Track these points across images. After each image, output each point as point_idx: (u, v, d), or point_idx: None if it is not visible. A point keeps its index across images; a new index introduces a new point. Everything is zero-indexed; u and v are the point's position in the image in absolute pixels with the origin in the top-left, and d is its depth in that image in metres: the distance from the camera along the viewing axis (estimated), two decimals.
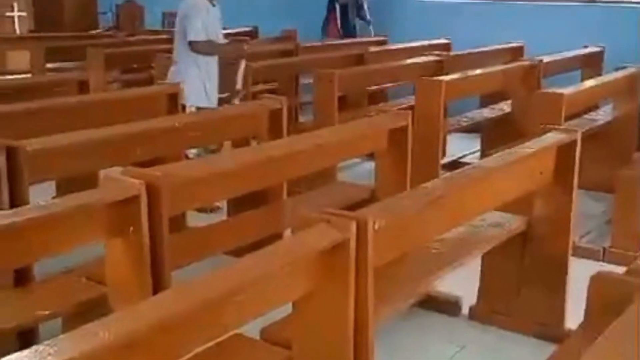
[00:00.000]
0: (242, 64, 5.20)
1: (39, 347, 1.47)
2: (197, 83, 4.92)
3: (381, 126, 3.83)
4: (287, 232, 3.57)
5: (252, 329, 2.32)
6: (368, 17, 8.33)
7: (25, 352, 1.45)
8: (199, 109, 4.91)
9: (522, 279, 3.30)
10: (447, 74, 5.38)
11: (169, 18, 10.44)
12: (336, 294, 2.09)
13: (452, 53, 6.77)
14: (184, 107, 4.91)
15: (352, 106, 6.18)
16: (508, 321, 3.33)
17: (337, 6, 8.26)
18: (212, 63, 5.00)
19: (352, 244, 2.08)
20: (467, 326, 3.41)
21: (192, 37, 4.85)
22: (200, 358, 2.12)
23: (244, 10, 8.50)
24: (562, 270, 3.23)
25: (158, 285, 2.55)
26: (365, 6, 8.31)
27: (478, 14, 8.11)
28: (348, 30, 8.31)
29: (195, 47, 4.88)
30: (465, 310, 3.49)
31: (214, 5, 4.98)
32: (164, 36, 8.41)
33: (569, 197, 3.19)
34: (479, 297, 3.44)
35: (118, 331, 1.52)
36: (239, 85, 5.16)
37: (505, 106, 5.99)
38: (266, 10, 9.06)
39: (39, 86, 4.77)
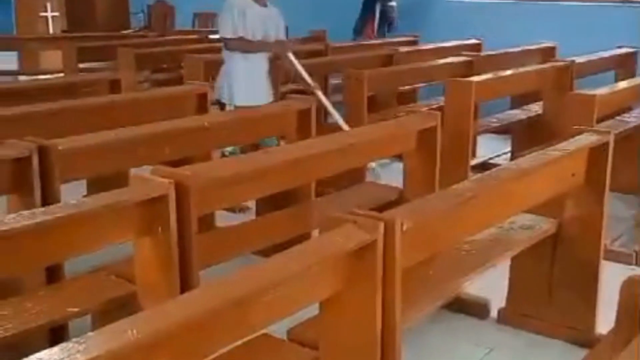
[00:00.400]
0: (292, 61, 5.09)
1: (68, 345, 1.48)
2: (240, 82, 4.93)
3: (410, 127, 3.82)
4: (315, 233, 3.57)
5: (279, 329, 2.32)
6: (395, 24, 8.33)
7: (55, 349, 1.46)
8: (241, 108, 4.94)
9: (552, 282, 3.26)
10: (477, 74, 5.34)
11: (199, 18, 10.53)
12: (363, 295, 2.08)
13: (482, 53, 6.71)
14: (223, 106, 4.97)
15: (382, 106, 6.17)
16: (537, 325, 3.29)
17: (377, 8, 8.24)
18: (258, 62, 4.94)
19: (380, 245, 2.07)
20: (495, 329, 3.38)
21: (220, 33, 4.92)
22: (227, 357, 2.13)
23: None
24: (593, 274, 3.18)
25: (186, 284, 2.56)
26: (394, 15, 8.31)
27: (510, 13, 8.04)
28: (381, 34, 8.29)
29: (227, 44, 4.94)
30: (493, 313, 3.46)
31: (263, 6, 4.95)
32: (194, 36, 8.49)
33: (601, 199, 3.15)
34: (508, 300, 3.41)
35: (146, 329, 1.53)
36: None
37: (537, 107, 5.93)
38: (293, 10, 9.06)
39: (71, 86, 4.83)
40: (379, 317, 2.11)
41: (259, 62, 4.95)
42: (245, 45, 4.92)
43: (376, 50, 7.09)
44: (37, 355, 1.45)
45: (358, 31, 8.38)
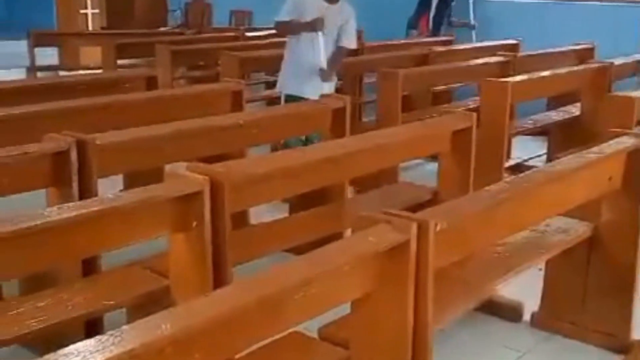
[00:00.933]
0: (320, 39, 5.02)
1: (103, 337, 1.50)
2: (289, 72, 4.99)
3: (445, 127, 3.80)
4: (348, 232, 3.57)
5: (310, 327, 2.33)
6: (464, 20, 8.25)
7: (91, 341, 1.49)
8: (289, 97, 4.96)
9: (587, 287, 3.22)
10: (514, 75, 5.28)
11: (236, 16, 10.59)
12: (395, 295, 2.08)
13: (519, 54, 6.65)
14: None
15: (416, 106, 6.14)
16: (572, 330, 3.25)
17: (433, 4, 8.19)
18: (304, 53, 4.94)
19: (413, 246, 2.06)
20: (528, 333, 3.35)
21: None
22: (258, 354, 2.15)
23: None
24: (629, 279, 3.13)
25: (219, 280, 2.58)
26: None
27: (547, 14, 7.95)
28: (436, 29, 8.23)
29: (275, 28, 5.06)
30: (526, 316, 3.43)
31: (331, 2, 4.93)
32: (231, 34, 8.55)
33: (637, 204, 3.09)
34: (541, 304, 3.37)
35: (179, 325, 1.55)
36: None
37: (574, 109, 5.84)
38: None
39: (109, 82, 4.89)
40: (411, 318, 2.10)
41: (306, 54, 4.94)
42: (285, 28, 4.96)
43: (411, 50, 7.06)
44: (74, 346, 1.47)
45: (412, 26, 8.34)
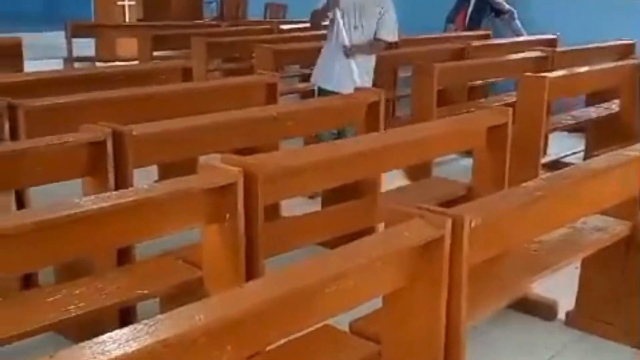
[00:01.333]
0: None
1: (138, 326, 1.51)
2: (323, 65, 5.01)
3: (480, 122, 3.76)
4: (381, 226, 3.56)
5: (341, 321, 2.32)
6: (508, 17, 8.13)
7: (126, 329, 1.50)
8: (322, 91, 4.96)
9: (624, 286, 3.16)
10: (552, 70, 5.21)
11: (270, 8, 10.61)
12: (429, 290, 2.06)
13: (558, 49, 6.55)
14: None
15: (451, 101, 6.09)
16: (607, 329, 3.20)
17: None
18: (338, 47, 4.92)
19: (447, 241, 2.05)
20: (562, 332, 3.30)
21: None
22: (289, 347, 2.15)
23: None
24: None
25: (251, 272, 2.59)
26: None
27: (587, 9, 7.81)
28: (474, 24, 8.14)
29: (309, 20, 5.20)
30: (561, 315, 3.38)
31: None
32: (266, 26, 8.56)
33: None
34: (577, 303, 3.32)
35: (213, 316, 1.55)
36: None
37: (613, 106, 5.75)
38: None
39: (145, 73, 4.93)
40: (444, 314, 2.09)
41: (339, 48, 4.94)
42: (311, 15, 5.03)
43: (447, 44, 7.00)
44: (109, 334, 1.49)
45: (450, 20, 8.27)
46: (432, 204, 2.20)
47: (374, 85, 5.04)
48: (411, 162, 3.74)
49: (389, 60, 6.24)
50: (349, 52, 4.89)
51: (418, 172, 4.57)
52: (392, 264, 2.01)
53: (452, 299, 2.09)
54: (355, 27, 4.94)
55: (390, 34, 5.09)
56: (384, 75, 6.37)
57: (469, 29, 8.06)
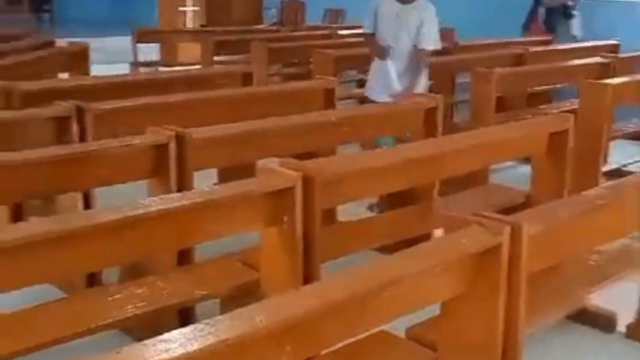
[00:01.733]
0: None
1: (199, 326, 1.55)
2: (373, 79, 5.05)
3: (540, 129, 3.71)
4: (436, 233, 3.55)
5: (398, 327, 2.33)
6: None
7: (187, 329, 1.54)
8: (370, 101, 5.00)
9: None
10: (614, 77, 5.11)
11: (329, 14, 10.66)
12: (486, 299, 2.06)
13: (621, 55, 6.41)
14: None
15: (510, 107, 6.01)
16: None
17: (542, 9, 8.01)
18: (392, 57, 4.95)
19: (505, 249, 2.04)
20: (622, 344, 3.23)
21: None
22: (346, 350, 2.17)
23: None
24: None
25: (308, 275, 2.62)
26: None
27: None
28: (551, 29, 8.02)
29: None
30: (621, 327, 3.31)
31: (404, 2, 4.91)
32: (325, 32, 8.61)
33: None
34: (637, 315, 3.25)
35: (273, 317, 1.58)
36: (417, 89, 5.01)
37: None
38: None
39: (207, 78, 5.03)
40: (501, 322, 2.08)
41: (394, 59, 4.93)
42: (364, 40, 5.09)
43: (507, 49, 6.92)
44: (171, 334, 1.53)
45: (525, 27, 8.16)
46: (489, 212, 2.19)
47: (432, 91, 5.02)
48: (468, 169, 3.71)
49: (446, 66, 6.21)
50: (388, 62, 4.92)
51: (475, 179, 4.54)
52: (450, 271, 2.01)
53: (510, 306, 2.08)
54: (396, 37, 4.93)
55: (431, 42, 4.99)
56: (441, 81, 6.35)
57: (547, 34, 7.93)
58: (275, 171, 2.64)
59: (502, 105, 5.59)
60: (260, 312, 1.59)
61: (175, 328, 1.57)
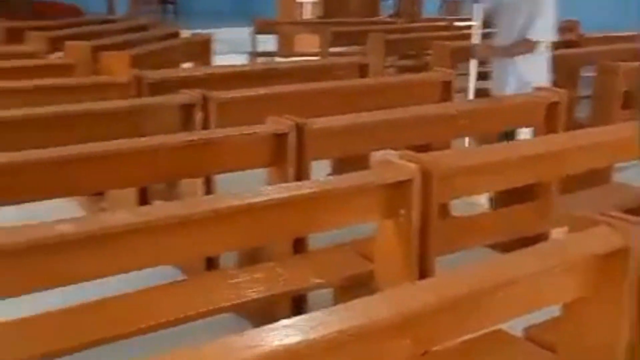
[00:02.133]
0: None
1: (315, 314, 1.56)
2: (495, 70, 4.91)
3: None
4: (554, 232, 3.44)
5: (515, 326, 2.28)
6: None
7: (307, 316, 1.55)
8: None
9: None
10: None
11: (447, 5, 10.51)
12: (612, 302, 1.97)
13: None
14: None
15: (637, 103, 5.73)
16: None
17: None
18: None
19: (635, 252, 1.95)
20: None
21: None
22: (462, 347, 2.14)
23: None
24: None
25: (423, 270, 2.61)
26: None
27: None
28: None
29: None
30: None
31: None
32: (442, 24, 8.49)
33: None
34: None
35: (392, 309, 1.58)
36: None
37: None
38: None
39: (324, 69, 5.08)
40: (626, 327, 1.99)
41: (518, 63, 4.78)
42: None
43: (635, 42, 6.59)
44: (291, 320, 1.55)
45: None
46: (614, 212, 2.10)
47: (555, 85, 4.84)
48: (590, 166, 3.56)
49: (570, 59, 5.99)
50: (499, 53, 4.75)
51: (596, 177, 4.36)
52: (573, 272, 1.94)
53: (638, 311, 1.99)
54: (505, 28, 4.74)
55: (539, 33, 4.62)
56: (564, 74, 6.12)
57: None
58: (393, 163, 2.63)
59: (628, 101, 5.34)
60: (380, 303, 1.59)
61: (288, 315, 1.59)
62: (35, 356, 2.21)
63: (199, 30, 6.85)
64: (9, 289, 2.03)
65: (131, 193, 3.53)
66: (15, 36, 6.04)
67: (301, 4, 10.37)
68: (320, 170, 3.85)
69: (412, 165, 2.55)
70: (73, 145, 2.79)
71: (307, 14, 10.44)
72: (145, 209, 2.64)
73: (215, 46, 6.28)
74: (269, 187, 2.50)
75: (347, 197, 2.49)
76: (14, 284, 2.03)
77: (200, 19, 11.83)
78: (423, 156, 2.77)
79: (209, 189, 3.29)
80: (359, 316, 1.53)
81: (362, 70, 4.90)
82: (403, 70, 7.27)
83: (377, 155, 3.32)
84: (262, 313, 2.80)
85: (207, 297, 2.60)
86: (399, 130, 3.59)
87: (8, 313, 2.30)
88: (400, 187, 2.52)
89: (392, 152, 2.93)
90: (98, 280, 2.21)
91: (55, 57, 5.24)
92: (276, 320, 1.53)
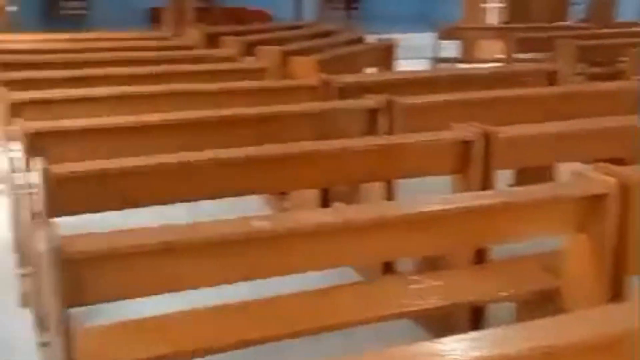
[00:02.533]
0: None
1: (494, 331, 1.50)
2: None
3: None
4: None
5: None
6: None
7: (478, 333, 1.49)
8: None
9: None
10: None
11: None
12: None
13: None
14: None
15: None
16: None
17: None
18: None
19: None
20: None
21: None
22: None
23: None
24: None
25: (615, 291, 2.44)
26: None
27: None
28: None
29: None
30: None
31: None
32: (638, 29, 7.96)
33: None
34: None
35: (588, 331, 1.49)
36: None
37: None
38: None
39: (509, 75, 4.92)
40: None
41: None
42: None
43: None
44: (480, 333, 1.50)
45: None
46: None
47: None
48: None
49: None
50: None
51: None
52: None
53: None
54: None
55: None
56: None
57: None
58: (587, 176, 2.49)
59: None
60: (576, 323, 1.50)
61: (466, 326, 1.54)
62: (230, 345, 2.29)
63: (381, 35, 6.88)
64: (204, 280, 2.14)
65: (313, 194, 3.62)
66: (212, 40, 6.43)
67: (484, 8, 10.15)
68: (500, 180, 3.73)
69: (610, 179, 2.40)
70: (260, 146, 2.91)
71: (492, 19, 10.20)
72: (336, 210, 2.68)
73: (399, 51, 6.30)
74: (454, 195, 2.45)
75: (538, 208, 2.39)
76: (207, 275, 2.13)
77: (382, 24, 11.91)
78: (621, 169, 2.60)
79: (389, 193, 3.29)
80: (552, 334, 1.45)
81: (551, 78, 4.70)
82: (592, 78, 6.90)
83: (564, 167, 3.16)
84: (439, 322, 2.75)
85: (388, 301, 2.58)
86: (588, 142, 3.40)
87: (196, 302, 2.40)
88: (595, 201, 2.39)
89: (584, 164, 2.78)
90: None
91: (248, 61, 5.50)
92: (453, 331, 1.50)
